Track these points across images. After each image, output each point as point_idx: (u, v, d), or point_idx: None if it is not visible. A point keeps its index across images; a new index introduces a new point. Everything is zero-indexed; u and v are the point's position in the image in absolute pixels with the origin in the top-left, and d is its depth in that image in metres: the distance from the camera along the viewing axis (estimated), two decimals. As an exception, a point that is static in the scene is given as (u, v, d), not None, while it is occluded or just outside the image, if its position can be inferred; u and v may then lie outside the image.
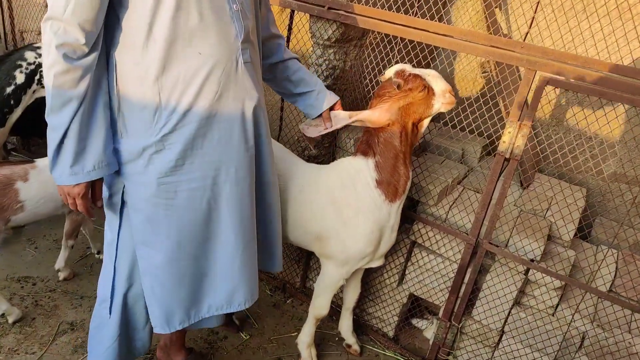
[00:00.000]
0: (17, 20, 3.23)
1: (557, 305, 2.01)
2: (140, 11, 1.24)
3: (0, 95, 2.33)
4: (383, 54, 2.29)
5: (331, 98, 1.77)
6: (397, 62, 1.95)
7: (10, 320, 2.12)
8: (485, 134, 2.67)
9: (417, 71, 1.72)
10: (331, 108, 1.78)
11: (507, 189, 1.83)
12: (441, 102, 1.74)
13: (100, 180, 1.39)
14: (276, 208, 1.70)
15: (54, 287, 2.40)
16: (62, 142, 1.27)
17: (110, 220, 1.51)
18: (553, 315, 2.00)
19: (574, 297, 2.03)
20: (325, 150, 2.35)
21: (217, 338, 2.28)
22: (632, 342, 1.82)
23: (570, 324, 1.91)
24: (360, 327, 2.45)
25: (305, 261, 2.56)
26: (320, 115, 1.78)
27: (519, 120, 1.72)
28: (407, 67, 1.73)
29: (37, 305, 2.27)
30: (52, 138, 1.27)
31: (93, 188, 1.39)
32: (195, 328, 1.93)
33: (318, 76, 2.16)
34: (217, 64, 1.33)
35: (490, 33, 2.52)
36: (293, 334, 2.32)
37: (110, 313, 1.58)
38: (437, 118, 2.88)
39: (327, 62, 2.13)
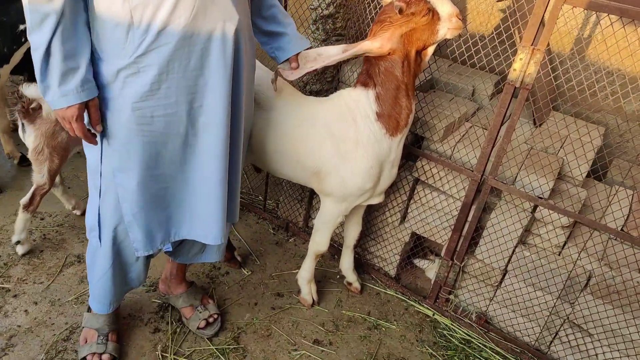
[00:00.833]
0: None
1: (564, 244, 1.95)
2: None
3: (12, 32, 2.28)
4: None
5: (302, 43, 1.64)
6: None
7: (20, 252, 2.17)
8: (498, 70, 2.52)
9: None
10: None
11: (516, 121, 1.73)
12: (447, 27, 1.61)
13: (95, 102, 1.34)
14: (241, 148, 1.58)
15: (61, 222, 2.44)
16: (46, 61, 1.22)
17: (91, 146, 1.47)
18: (559, 254, 1.95)
19: (582, 235, 1.96)
20: (328, 84, 2.25)
21: (219, 273, 2.30)
22: None
23: (576, 262, 1.86)
24: (362, 265, 2.45)
25: (308, 200, 2.54)
26: (288, 60, 1.65)
27: (532, 45, 1.59)
28: None
29: (45, 239, 2.32)
30: (36, 58, 1.22)
31: (89, 110, 1.34)
32: (195, 262, 1.93)
33: (319, 5, 2.03)
34: None
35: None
36: (294, 271, 2.34)
37: (100, 242, 1.58)
38: (448, 54, 2.73)
39: (328, -13, 1.99)
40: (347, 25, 2.15)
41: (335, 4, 2.03)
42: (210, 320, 1.97)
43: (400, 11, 1.56)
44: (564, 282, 1.89)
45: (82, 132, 1.36)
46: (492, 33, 2.76)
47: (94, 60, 1.32)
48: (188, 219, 1.59)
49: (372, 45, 1.61)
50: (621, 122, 2.49)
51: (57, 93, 1.26)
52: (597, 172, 2.13)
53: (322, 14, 2.05)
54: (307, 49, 1.64)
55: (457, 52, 2.29)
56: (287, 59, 1.65)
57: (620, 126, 2.50)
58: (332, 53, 1.61)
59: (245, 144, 1.63)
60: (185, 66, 1.32)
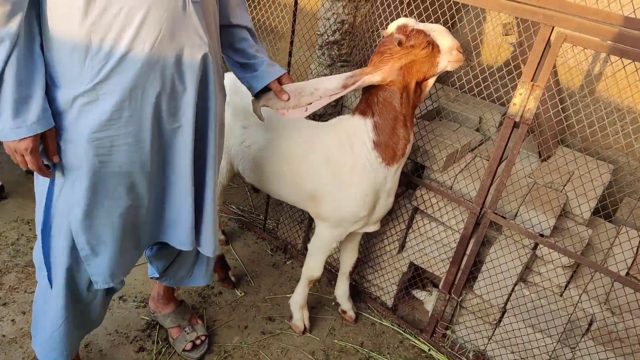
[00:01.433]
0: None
1: (566, 285, 1.88)
2: None
3: None
4: (399, 11, 2.14)
5: (275, 70, 1.54)
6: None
7: None
8: (506, 102, 2.49)
9: (422, 26, 1.57)
10: (279, 81, 1.55)
11: (516, 155, 1.68)
12: (448, 60, 1.60)
13: (52, 132, 1.21)
14: (211, 181, 1.47)
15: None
16: None
17: (40, 178, 1.34)
18: (560, 295, 1.87)
19: (584, 277, 1.88)
20: (332, 108, 2.25)
21: (211, 293, 2.28)
22: (643, 328, 1.68)
23: (576, 304, 1.78)
24: (359, 293, 2.39)
25: (308, 222, 2.51)
26: (268, 90, 1.55)
27: (532, 81, 1.57)
28: (411, 22, 1.58)
29: (42, 249, 2.33)
30: None
31: (45, 141, 1.20)
32: (182, 286, 1.89)
33: (325, 31, 2.05)
34: (158, 2, 1.14)
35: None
36: (288, 295, 2.29)
37: (51, 283, 1.41)
38: (456, 84, 2.71)
39: (335, 15, 2.01)
40: (353, 52, 2.16)
41: (341, 31, 2.04)
42: (197, 342, 1.94)
43: (400, 44, 1.55)
44: (564, 325, 1.80)
45: (36, 166, 1.22)
46: (501, 65, 2.75)
47: (47, 87, 1.20)
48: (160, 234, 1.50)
49: (372, 79, 1.59)
50: (632, 159, 2.42)
51: (9, 124, 1.13)
52: (604, 210, 2.07)
53: (327, 40, 2.06)
54: (282, 75, 1.55)
55: (464, 81, 2.28)
56: (266, 89, 1.55)
57: (630, 164, 2.43)
58: (331, 87, 1.56)
59: (217, 171, 1.50)
60: (150, 93, 1.21)
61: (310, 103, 1.55)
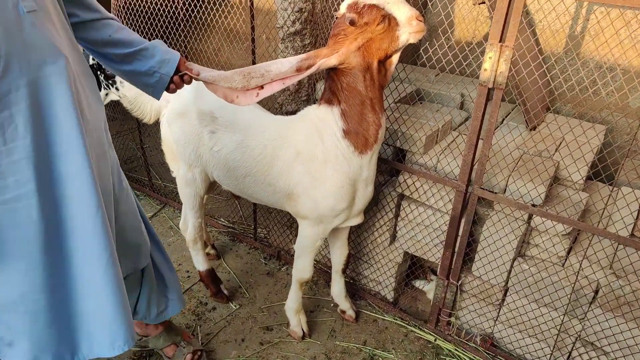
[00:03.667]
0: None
1: (567, 254, 1.78)
2: None
3: None
4: None
5: (173, 52, 1.37)
6: None
7: None
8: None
9: (372, 1, 1.48)
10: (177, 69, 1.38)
11: (494, 124, 1.60)
12: (409, 32, 1.50)
13: None
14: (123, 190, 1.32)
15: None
16: None
17: None
18: (562, 266, 1.77)
19: (586, 243, 1.78)
20: (303, 104, 2.17)
21: (205, 309, 2.20)
22: (653, 289, 1.57)
23: (578, 272, 1.68)
24: (357, 291, 2.30)
25: (297, 226, 2.42)
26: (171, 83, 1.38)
27: (500, 42, 1.48)
28: None
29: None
30: None
31: None
32: (162, 320, 1.80)
33: (285, 22, 1.98)
34: None
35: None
36: (285, 302, 2.21)
37: None
38: (435, 66, 2.63)
39: (292, 4, 1.93)
40: (317, 41, 2.09)
41: (301, 20, 1.97)
42: (196, 357, 1.87)
43: (352, 23, 1.47)
44: (569, 296, 1.70)
45: None
46: (481, 40, 2.67)
47: None
48: (80, 329, 1.22)
49: (328, 62, 1.50)
50: (631, 120, 2.32)
51: None
52: (604, 172, 1.96)
53: (288, 32, 1.99)
54: (180, 59, 1.39)
55: (444, 62, 2.20)
56: (180, 74, 1.39)
57: (626, 122, 2.33)
58: (283, 70, 1.47)
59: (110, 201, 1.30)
60: (13, 132, 1.00)
61: (262, 87, 1.45)
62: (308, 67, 1.48)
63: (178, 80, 1.41)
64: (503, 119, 2.31)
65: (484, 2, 2.28)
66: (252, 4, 2.06)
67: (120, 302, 1.22)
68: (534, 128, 2.16)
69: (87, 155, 1.11)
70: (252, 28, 2.10)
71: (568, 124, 1.83)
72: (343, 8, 1.51)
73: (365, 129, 1.61)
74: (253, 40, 2.14)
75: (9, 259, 1.09)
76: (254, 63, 2.20)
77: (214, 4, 2.27)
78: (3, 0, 0.96)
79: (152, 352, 1.95)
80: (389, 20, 1.48)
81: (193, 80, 1.46)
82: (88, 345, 1.24)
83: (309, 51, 2.09)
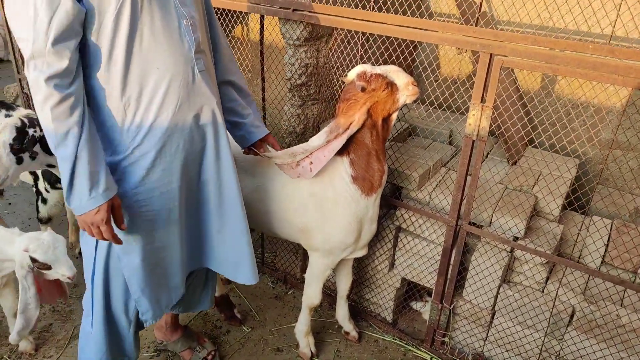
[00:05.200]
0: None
1: (546, 281, 2.02)
2: (103, 36, 1.32)
3: None
4: (366, 47, 2.31)
5: (259, 131, 1.84)
6: (377, 54, 1.96)
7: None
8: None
9: (378, 69, 1.74)
10: (263, 140, 1.85)
11: (479, 169, 1.84)
12: (406, 95, 1.77)
13: (119, 202, 1.44)
14: (233, 208, 1.70)
15: (69, 293, 2.58)
16: (74, 170, 1.32)
17: (86, 235, 1.54)
18: (541, 292, 2.01)
19: (564, 271, 2.02)
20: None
21: (220, 332, 2.40)
22: (619, 313, 1.81)
23: (555, 299, 1.92)
24: (359, 313, 2.52)
25: (303, 252, 2.64)
26: (254, 145, 1.85)
27: (481, 102, 1.73)
28: (368, 68, 1.74)
29: (54, 312, 2.46)
30: (64, 169, 1.33)
31: (114, 211, 1.43)
32: (189, 312, 2.09)
33: (292, 75, 2.21)
34: (175, 75, 1.42)
35: (463, 14, 2.48)
36: (293, 325, 2.41)
37: (92, 327, 1.65)
38: (424, 100, 2.88)
39: (299, 60, 2.17)
40: (321, 90, 2.33)
41: (306, 74, 2.21)
42: (209, 357, 2.15)
43: (363, 89, 1.72)
44: (548, 320, 1.93)
45: (111, 235, 1.43)
46: (464, 80, 2.92)
47: None
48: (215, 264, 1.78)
49: (354, 129, 1.76)
50: (598, 150, 2.58)
51: (85, 197, 1.34)
52: (575, 203, 2.21)
53: (295, 83, 2.23)
54: (267, 135, 1.85)
55: (433, 98, 2.43)
56: (253, 145, 1.85)
57: (598, 155, 2.58)
58: (317, 144, 1.78)
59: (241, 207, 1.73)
60: (176, 148, 1.49)
61: (312, 163, 1.81)
62: (337, 137, 1.76)
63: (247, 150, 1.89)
64: (487, 153, 2.55)
65: (466, 51, 2.54)
66: (262, 46, 2.28)
67: (250, 264, 1.76)
68: (515, 163, 2.41)
69: (233, 168, 1.65)
70: (262, 68, 2.32)
71: (544, 159, 2.06)
72: (352, 75, 1.76)
73: (371, 175, 1.84)
74: (263, 79, 2.36)
75: (156, 230, 1.57)
76: (263, 100, 2.43)
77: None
78: (186, 66, 1.45)
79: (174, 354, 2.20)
80: (391, 86, 1.72)
81: None
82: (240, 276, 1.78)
83: (314, 98, 2.34)
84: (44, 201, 2.46)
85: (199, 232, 1.71)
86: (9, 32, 3.27)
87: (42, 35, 1.24)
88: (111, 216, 1.42)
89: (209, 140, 1.57)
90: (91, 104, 1.40)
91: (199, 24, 1.49)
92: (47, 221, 2.58)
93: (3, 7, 3.14)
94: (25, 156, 1.96)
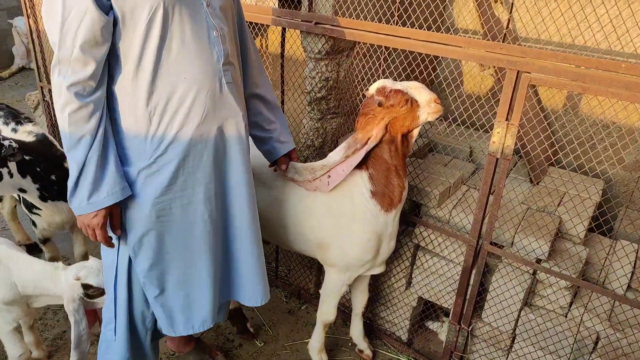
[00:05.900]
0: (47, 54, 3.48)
1: (570, 305, 1.94)
2: (133, 45, 1.33)
3: None
4: (389, 62, 2.29)
5: (285, 146, 1.83)
6: (399, 69, 1.95)
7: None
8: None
9: (399, 85, 1.71)
10: (288, 155, 1.85)
11: (502, 189, 1.79)
12: (427, 112, 1.73)
13: (118, 208, 1.47)
14: (247, 223, 1.67)
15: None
16: (80, 174, 1.36)
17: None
18: (565, 317, 1.93)
19: (589, 296, 1.95)
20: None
21: (232, 346, 2.37)
22: (648, 342, 1.73)
23: (580, 324, 1.84)
24: (374, 331, 2.46)
25: (318, 267, 2.61)
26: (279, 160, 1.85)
27: (506, 120, 1.69)
28: (388, 83, 1.72)
29: (67, 319, 2.45)
30: (73, 170, 1.38)
31: (112, 217, 1.46)
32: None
33: (312, 89, 2.20)
34: (202, 86, 1.41)
35: (485, 31, 2.46)
36: (306, 340, 2.37)
37: (115, 334, 1.64)
38: (446, 116, 2.84)
39: (319, 74, 2.17)
40: (341, 104, 2.31)
41: (327, 87, 2.20)
42: None
43: (380, 104, 1.69)
44: (571, 346, 1.86)
45: (104, 239, 1.47)
46: (487, 94, 2.89)
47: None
48: (233, 289, 1.74)
49: (372, 144, 1.74)
50: (623, 173, 2.51)
51: (85, 201, 1.38)
52: (601, 226, 2.14)
53: (315, 97, 2.22)
54: (290, 151, 1.84)
55: (456, 114, 2.40)
56: (278, 160, 1.84)
57: (623, 178, 2.51)
58: (337, 159, 1.77)
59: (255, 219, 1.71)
60: (199, 159, 1.48)
61: (330, 176, 1.80)
62: (355, 152, 1.74)
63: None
64: (509, 172, 2.50)
65: (489, 67, 2.51)
66: (282, 59, 2.28)
67: (259, 283, 1.74)
68: (538, 183, 2.35)
69: (249, 183, 1.62)
70: (282, 81, 2.32)
71: (571, 180, 2.00)
72: (372, 90, 1.74)
73: (391, 191, 1.81)
74: (282, 91, 2.36)
75: (175, 241, 1.55)
76: (283, 112, 2.42)
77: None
78: (214, 77, 1.44)
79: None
80: (411, 102, 1.70)
81: None
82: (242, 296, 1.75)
83: (333, 112, 2.33)
84: (34, 224, 2.40)
85: (228, 259, 1.70)
86: (32, 41, 3.35)
87: (69, 42, 1.26)
88: (108, 221, 1.45)
89: (233, 154, 1.55)
90: (116, 111, 1.41)
91: (228, 35, 1.49)
92: (44, 242, 2.51)
93: (28, 16, 3.22)
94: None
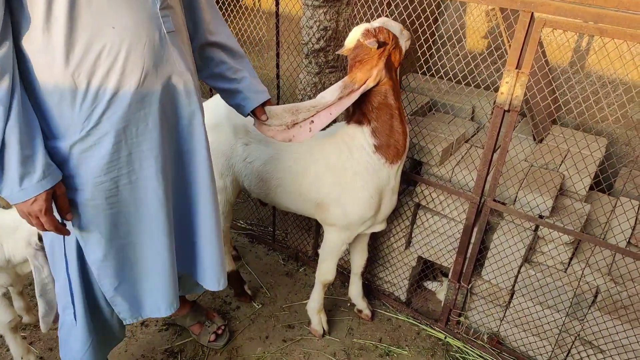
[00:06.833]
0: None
1: (570, 260, 1.94)
2: None
3: None
4: (380, 12, 2.19)
5: (258, 97, 1.54)
6: (399, 21, 1.85)
7: None
8: (492, 85, 2.55)
9: (375, 25, 1.65)
10: (263, 104, 1.57)
11: (508, 143, 1.74)
12: (404, 41, 1.71)
13: (63, 189, 1.22)
14: (206, 200, 1.48)
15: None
16: (1, 156, 1.10)
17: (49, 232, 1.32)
18: (565, 272, 1.93)
19: (587, 251, 1.94)
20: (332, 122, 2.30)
21: (229, 308, 2.34)
22: (648, 295, 1.74)
23: (580, 279, 1.84)
24: (372, 291, 2.45)
25: (316, 229, 2.57)
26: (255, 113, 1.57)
27: (517, 68, 1.62)
28: (366, 26, 1.64)
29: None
30: None
31: (57, 200, 1.21)
32: (193, 293, 1.99)
33: (310, 39, 2.10)
34: (136, 37, 1.14)
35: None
36: (304, 302, 2.35)
37: (75, 319, 1.47)
38: (446, 74, 2.76)
39: (317, 23, 2.06)
40: (339, 57, 2.22)
41: (325, 38, 2.10)
42: (219, 332, 2.11)
43: (383, 44, 1.62)
44: (571, 300, 1.87)
45: (53, 226, 1.22)
46: (489, 50, 2.80)
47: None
48: (194, 268, 1.60)
49: (369, 84, 1.63)
50: (627, 130, 2.47)
51: (16, 187, 1.13)
52: (602, 184, 2.12)
53: (313, 48, 2.12)
54: (267, 100, 1.56)
55: (457, 70, 2.33)
56: (254, 112, 1.56)
57: (627, 134, 2.48)
58: (327, 101, 1.60)
59: (215, 194, 1.52)
60: (144, 128, 1.24)
61: (312, 122, 1.59)
62: (350, 94, 1.62)
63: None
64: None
65: (497, 18, 2.41)
66: (277, 17, 2.17)
67: (218, 265, 1.59)
68: (541, 140, 2.31)
69: (207, 149, 1.41)
70: (277, 43, 2.21)
71: (573, 137, 1.96)
72: (352, 41, 1.65)
73: (397, 140, 1.74)
74: (277, 54, 2.26)
75: (128, 224, 1.35)
76: (278, 77, 2.32)
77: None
78: (150, 25, 1.18)
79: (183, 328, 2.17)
80: (392, 35, 1.64)
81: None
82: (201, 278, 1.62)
83: (332, 66, 2.24)
84: None
85: (187, 232, 1.51)
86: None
87: None
88: (53, 205, 1.21)
89: (184, 117, 1.32)
90: (27, 75, 1.13)
91: None
92: None
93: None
94: None
